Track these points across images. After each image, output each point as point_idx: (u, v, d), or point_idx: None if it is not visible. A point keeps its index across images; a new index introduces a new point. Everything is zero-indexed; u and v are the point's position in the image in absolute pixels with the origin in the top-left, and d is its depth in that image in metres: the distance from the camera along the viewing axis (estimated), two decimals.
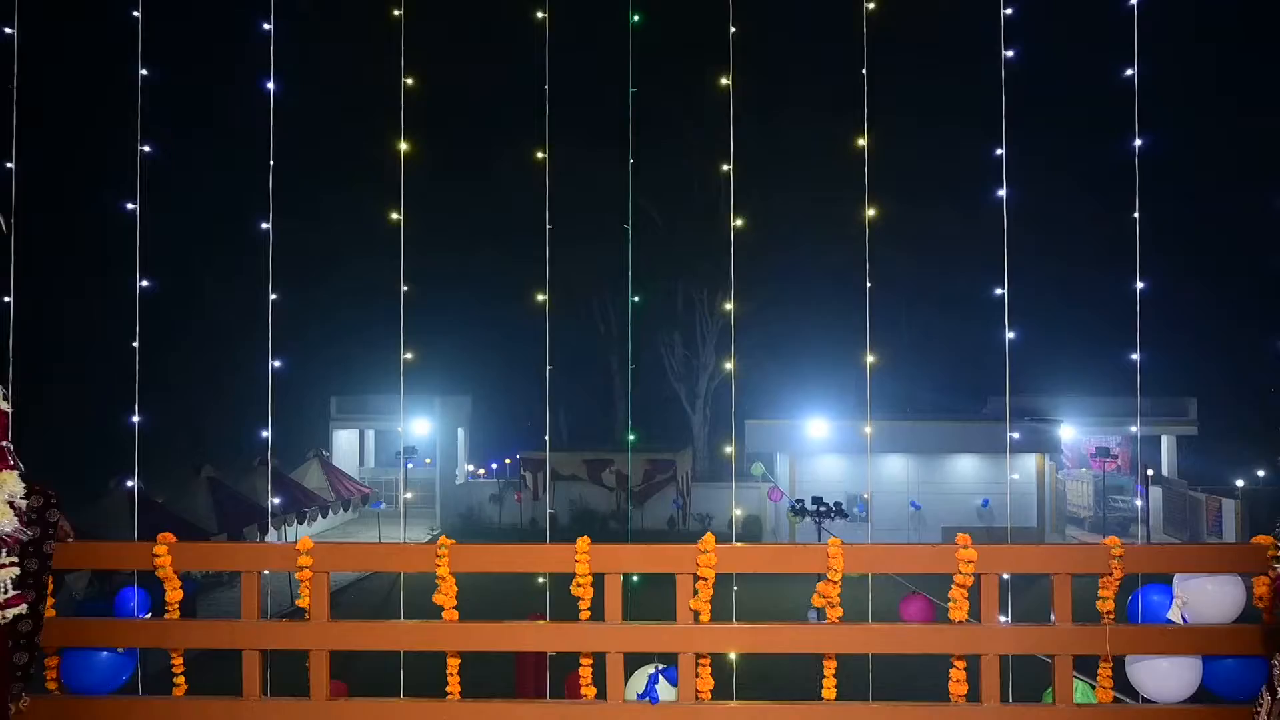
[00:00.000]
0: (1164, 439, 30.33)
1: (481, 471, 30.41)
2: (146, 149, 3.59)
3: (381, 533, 22.65)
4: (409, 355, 4.27)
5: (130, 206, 3.66)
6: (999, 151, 3.50)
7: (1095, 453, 28.32)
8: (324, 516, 21.40)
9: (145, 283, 3.49)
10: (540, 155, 3.43)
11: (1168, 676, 3.19)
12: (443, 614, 3.21)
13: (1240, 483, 25.55)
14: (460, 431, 30.09)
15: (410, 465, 25.21)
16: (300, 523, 20.60)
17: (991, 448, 25.46)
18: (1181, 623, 3.24)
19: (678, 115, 24.05)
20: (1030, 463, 25.88)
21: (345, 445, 30.40)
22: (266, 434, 3.76)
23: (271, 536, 19.31)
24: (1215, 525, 25.47)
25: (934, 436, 25.35)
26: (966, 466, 26.25)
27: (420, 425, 28.21)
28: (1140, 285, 3.48)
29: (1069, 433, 28.58)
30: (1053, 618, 3.16)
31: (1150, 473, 26.67)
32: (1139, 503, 25.46)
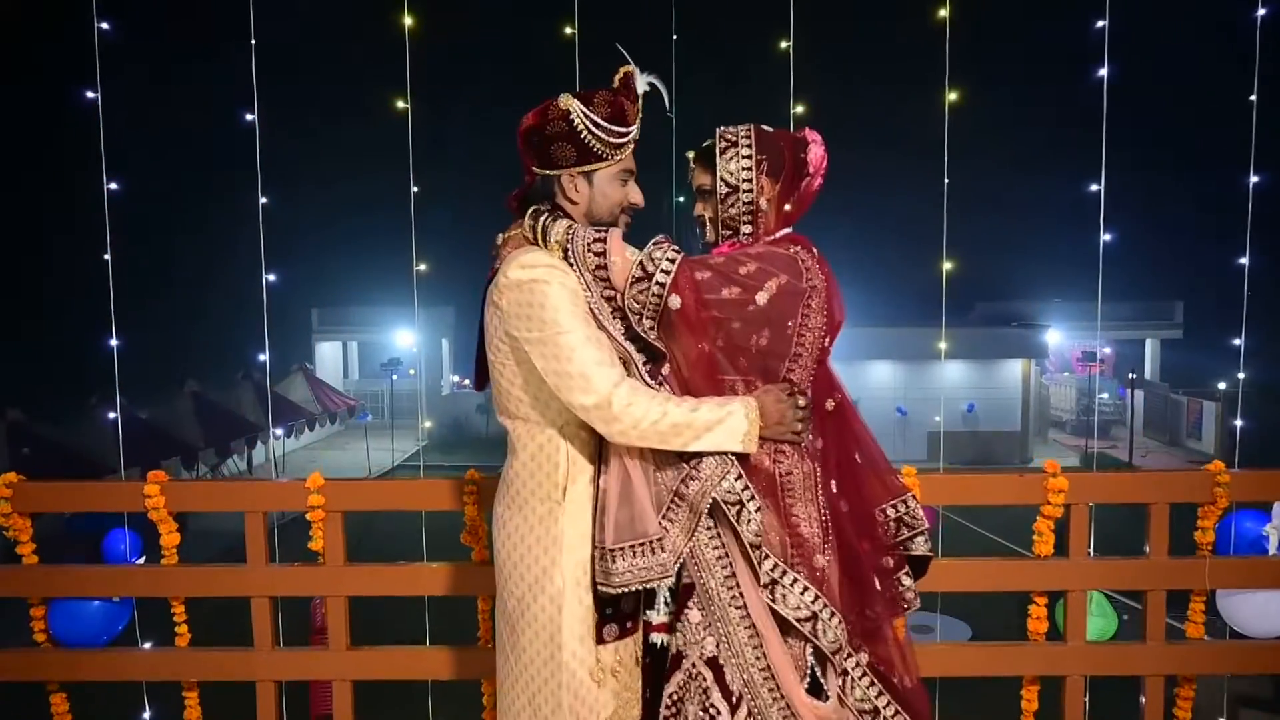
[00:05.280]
0: (1148, 342, 30.39)
1: (466, 382, 30.13)
2: (104, 26, 3.06)
3: (370, 444, 22.48)
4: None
5: (90, 95, 3.15)
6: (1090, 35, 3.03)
7: (1081, 357, 28.40)
8: (310, 430, 21.17)
9: (114, 185, 3.01)
10: (569, 31, 2.95)
11: (1265, 610, 2.95)
12: (472, 555, 2.89)
13: (1221, 385, 25.70)
14: (444, 342, 29.67)
15: (395, 377, 24.90)
16: (287, 436, 20.36)
17: (978, 353, 25.39)
18: (1277, 549, 2.99)
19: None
20: (1016, 367, 25.88)
21: (329, 357, 29.98)
22: (264, 356, 3.34)
23: (259, 451, 19.06)
24: (1195, 427, 25.79)
25: (920, 342, 25.11)
26: (953, 371, 26.21)
27: (403, 336, 27.79)
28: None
29: (1054, 337, 28.56)
30: (1147, 550, 2.89)
31: (1133, 376, 26.84)
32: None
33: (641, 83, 2.02)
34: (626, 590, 1.90)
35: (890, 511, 2.21)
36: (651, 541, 1.90)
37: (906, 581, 2.19)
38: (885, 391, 25.04)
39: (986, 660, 2.95)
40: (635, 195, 2.10)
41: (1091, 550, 3.05)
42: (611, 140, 2.00)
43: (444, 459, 22.89)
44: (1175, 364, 29.84)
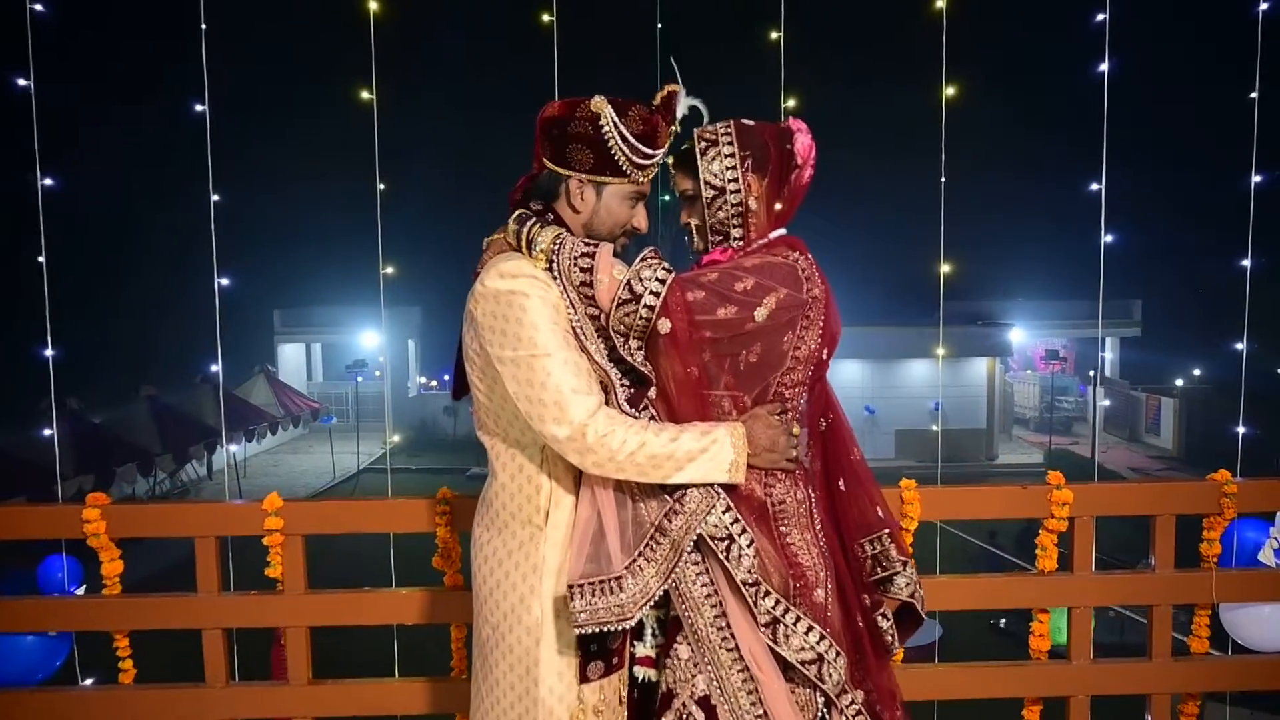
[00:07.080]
0: (1108, 340, 30.81)
1: (434, 384, 29.77)
2: (38, 7, 2.81)
3: (334, 448, 22.07)
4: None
5: (23, 83, 2.90)
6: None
7: (1044, 355, 28.75)
8: (273, 434, 20.70)
9: (49, 181, 2.77)
10: (547, 18, 2.76)
11: (1272, 624, 2.85)
12: (444, 579, 2.70)
13: (1179, 382, 26.17)
14: (410, 343, 29.26)
15: (360, 379, 24.47)
16: (248, 440, 19.90)
17: (944, 351, 25.53)
18: (1274, 564, 2.90)
19: None
20: (981, 366, 26.12)
21: (292, 359, 29.42)
22: (216, 367, 3.12)
23: (219, 456, 18.57)
24: (1154, 423, 26.23)
25: (888, 342, 25.25)
26: (920, 370, 26.40)
27: (369, 337, 27.37)
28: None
29: (1018, 335, 28.90)
30: (1152, 562, 2.77)
31: (1092, 373, 27.21)
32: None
33: (683, 106, 1.87)
34: (585, 632, 1.73)
35: (868, 548, 2.07)
36: (610, 580, 1.74)
37: (883, 624, 2.04)
38: (854, 390, 25.12)
39: (989, 682, 2.81)
40: (641, 220, 1.95)
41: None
42: (635, 159, 1.85)
43: (410, 462, 22.54)
44: (1134, 361, 30.29)
